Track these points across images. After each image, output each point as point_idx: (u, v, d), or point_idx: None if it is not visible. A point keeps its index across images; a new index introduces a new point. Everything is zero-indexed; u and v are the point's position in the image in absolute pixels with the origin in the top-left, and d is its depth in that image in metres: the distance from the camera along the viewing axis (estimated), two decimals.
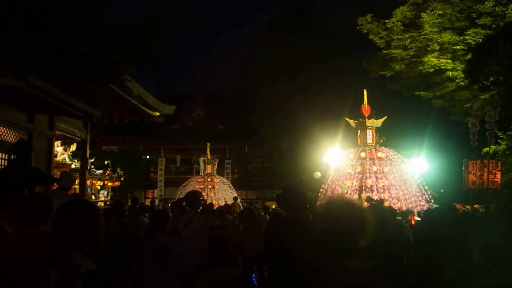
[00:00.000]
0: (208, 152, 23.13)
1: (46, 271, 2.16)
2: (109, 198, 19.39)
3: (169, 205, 11.58)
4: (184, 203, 7.30)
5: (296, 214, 4.16)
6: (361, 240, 2.50)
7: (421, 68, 17.82)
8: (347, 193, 14.06)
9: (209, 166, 22.78)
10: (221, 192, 21.64)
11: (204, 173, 23.14)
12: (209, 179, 22.21)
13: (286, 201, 4.29)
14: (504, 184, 14.57)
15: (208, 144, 23.22)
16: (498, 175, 13.48)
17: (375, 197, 12.80)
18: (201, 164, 23.63)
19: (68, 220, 2.30)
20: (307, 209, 4.86)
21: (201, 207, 6.61)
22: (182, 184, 22.75)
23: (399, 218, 9.03)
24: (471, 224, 7.38)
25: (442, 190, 19.40)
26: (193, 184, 22.01)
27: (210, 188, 21.59)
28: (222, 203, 17.31)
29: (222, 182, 22.48)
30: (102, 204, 16.50)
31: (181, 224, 6.10)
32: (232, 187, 22.93)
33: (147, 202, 25.05)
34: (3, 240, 2.37)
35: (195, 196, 6.59)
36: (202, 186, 21.32)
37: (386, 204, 12.25)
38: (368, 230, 2.50)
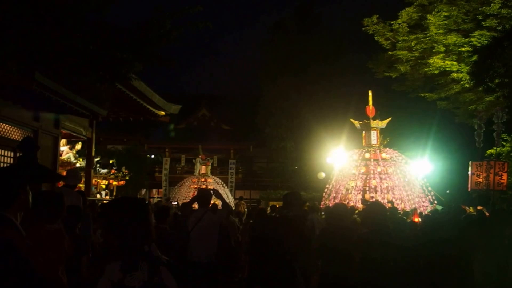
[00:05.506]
0: (200, 152, 23.65)
1: (138, 265, 2.31)
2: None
3: (181, 204, 11.51)
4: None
5: (292, 212, 5.57)
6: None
7: (426, 69, 17.79)
8: (351, 193, 14.09)
9: (203, 167, 23.18)
10: None
11: (199, 173, 23.47)
12: (203, 179, 22.56)
13: (286, 202, 5.88)
14: (507, 186, 14.52)
15: (200, 146, 24.13)
16: (505, 176, 13.35)
17: (379, 198, 12.84)
18: (197, 165, 23.92)
19: (140, 217, 2.43)
20: (303, 208, 6.55)
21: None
22: (177, 184, 23.17)
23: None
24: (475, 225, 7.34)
25: (448, 191, 19.39)
26: (188, 184, 22.53)
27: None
28: (218, 202, 17.34)
29: (216, 182, 22.74)
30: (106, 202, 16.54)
31: (191, 223, 6.02)
32: (225, 186, 23.34)
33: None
34: (15, 232, 2.41)
35: (205, 195, 6.45)
36: (196, 186, 21.51)
37: (389, 204, 12.28)
38: None
